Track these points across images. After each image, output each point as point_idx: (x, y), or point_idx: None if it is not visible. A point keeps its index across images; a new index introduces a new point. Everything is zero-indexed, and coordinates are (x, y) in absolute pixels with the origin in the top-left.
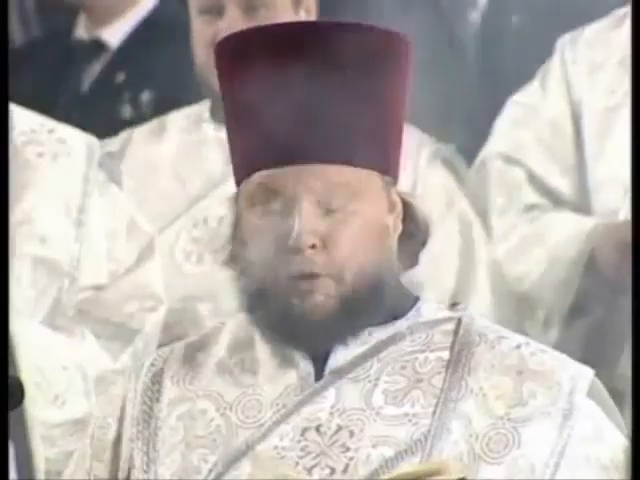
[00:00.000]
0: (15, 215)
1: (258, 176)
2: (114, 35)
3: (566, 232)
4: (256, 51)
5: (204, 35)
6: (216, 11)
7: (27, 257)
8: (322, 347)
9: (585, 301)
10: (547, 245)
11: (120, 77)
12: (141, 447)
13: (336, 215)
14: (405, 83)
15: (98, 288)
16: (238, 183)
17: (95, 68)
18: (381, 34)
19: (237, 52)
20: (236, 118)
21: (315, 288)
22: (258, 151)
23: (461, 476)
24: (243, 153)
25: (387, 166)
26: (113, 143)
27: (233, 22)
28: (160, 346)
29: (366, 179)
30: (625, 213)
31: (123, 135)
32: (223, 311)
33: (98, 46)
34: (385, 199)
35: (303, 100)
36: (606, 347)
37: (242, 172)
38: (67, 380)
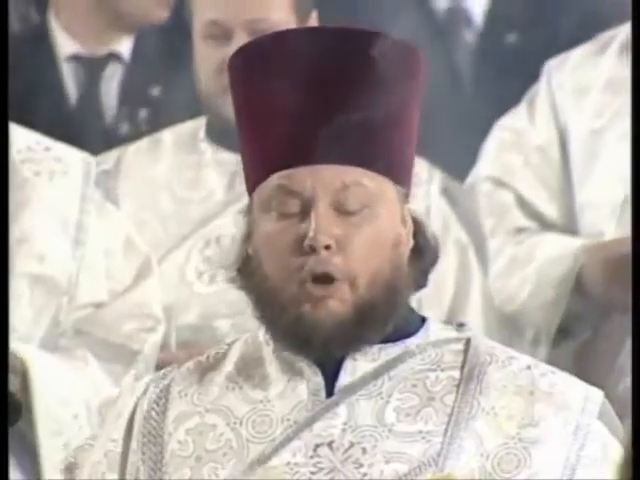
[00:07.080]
0: (13, 233)
1: (277, 177)
2: (124, 50)
3: (554, 252)
4: (275, 57)
5: (209, 60)
6: (222, 37)
7: (25, 276)
8: (335, 355)
9: (573, 321)
10: (535, 265)
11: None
12: (147, 461)
13: (351, 219)
14: (419, 97)
15: (97, 305)
16: (251, 190)
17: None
18: (400, 45)
19: (255, 60)
20: (253, 122)
21: (329, 294)
22: (275, 151)
23: None
24: (260, 155)
25: (400, 177)
26: (107, 161)
27: None
28: (180, 365)
29: (381, 186)
30: (611, 235)
31: (116, 152)
32: (246, 326)
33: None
34: (398, 210)
35: (322, 103)
36: (595, 367)
37: (258, 175)
38: (77, 426)
